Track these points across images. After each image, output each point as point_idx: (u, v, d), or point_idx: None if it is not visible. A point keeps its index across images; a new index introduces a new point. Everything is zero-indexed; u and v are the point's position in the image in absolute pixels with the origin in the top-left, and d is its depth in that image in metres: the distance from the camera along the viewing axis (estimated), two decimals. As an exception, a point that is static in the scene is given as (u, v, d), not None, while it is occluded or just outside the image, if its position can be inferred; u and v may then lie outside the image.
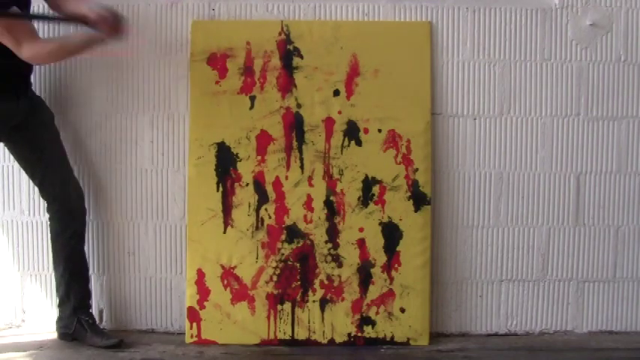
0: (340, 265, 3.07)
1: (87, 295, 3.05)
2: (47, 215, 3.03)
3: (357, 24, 3.14)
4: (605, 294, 3.23)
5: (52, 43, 2.83)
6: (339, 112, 3.09)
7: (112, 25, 2.72)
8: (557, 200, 3.19)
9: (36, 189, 3.10)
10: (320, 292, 3.07)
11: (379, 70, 3.09)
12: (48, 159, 2.97)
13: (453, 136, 3.16)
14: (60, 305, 3.03)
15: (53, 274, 3.06)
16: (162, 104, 3.16)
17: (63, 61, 3.05)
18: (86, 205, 3.05)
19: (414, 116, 3.10)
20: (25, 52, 2.69)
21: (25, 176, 3.11)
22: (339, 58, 3.10)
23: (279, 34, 3.10)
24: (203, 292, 3.05)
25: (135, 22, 3.11)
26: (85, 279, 3.05)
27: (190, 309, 3.05)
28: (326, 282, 3.07)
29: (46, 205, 3.03)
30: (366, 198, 3.08)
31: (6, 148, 3.01)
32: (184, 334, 3.06)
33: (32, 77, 2.97)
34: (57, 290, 3.04)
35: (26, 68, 2.88)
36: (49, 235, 3.03)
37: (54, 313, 3.09)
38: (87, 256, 3.06)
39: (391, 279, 3.07)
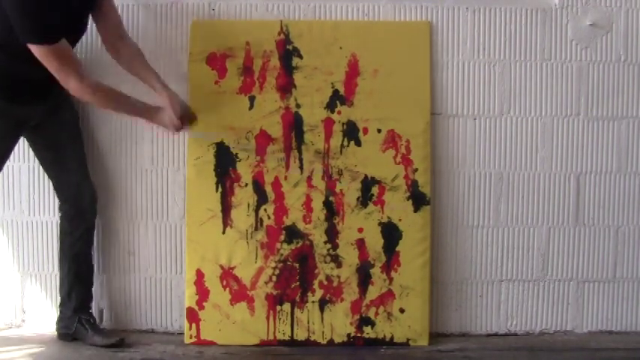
0: (339, 266, 3.07)
1: (89, 296, 3.06)
2: (52, 215, 3.05)
3: (357, 24, 3.13)
4: (605, 294, 3.22)
5: (106, 93, 2.75)
6: (339, 113, 3.08)
7: (177, 117, 2.85)
8: (557, 200, 3.18)
9: (36, 189, 3.12)
10: (319, 293, 3.06)
11: (379, 70, 3.09)
12: (63, 159, 2.96)
13: (453, 136, 3.16)
14: (61, 305, 3.04)
15: (57, 274, 3.07)
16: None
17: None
18: (97, 207, 3.06)
19: (414, 116, 3.09)
20: (73, 85, 2.64)
21: (25, 176, 3.13)
22: (339, 58, 3.09)
23: (279, 34, 3.10)
24: (202, 292, 3.05)
25: (135, 22, 3.12)
26: (89, 281, 3.06)
27: (189, 309, 3.05)
28: (325, 282, 3.07)
29: (58, 203, 3.03)
30: (365, 198, 3.08)
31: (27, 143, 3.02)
32: (184, 334, 3.06)
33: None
34: (60, 290, 3.05)
35: (46, 73, 2.72)
36: (58, 233, 3.05)
37: (54, 313, 3.10)
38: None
39: (390, 279, 3.07)
